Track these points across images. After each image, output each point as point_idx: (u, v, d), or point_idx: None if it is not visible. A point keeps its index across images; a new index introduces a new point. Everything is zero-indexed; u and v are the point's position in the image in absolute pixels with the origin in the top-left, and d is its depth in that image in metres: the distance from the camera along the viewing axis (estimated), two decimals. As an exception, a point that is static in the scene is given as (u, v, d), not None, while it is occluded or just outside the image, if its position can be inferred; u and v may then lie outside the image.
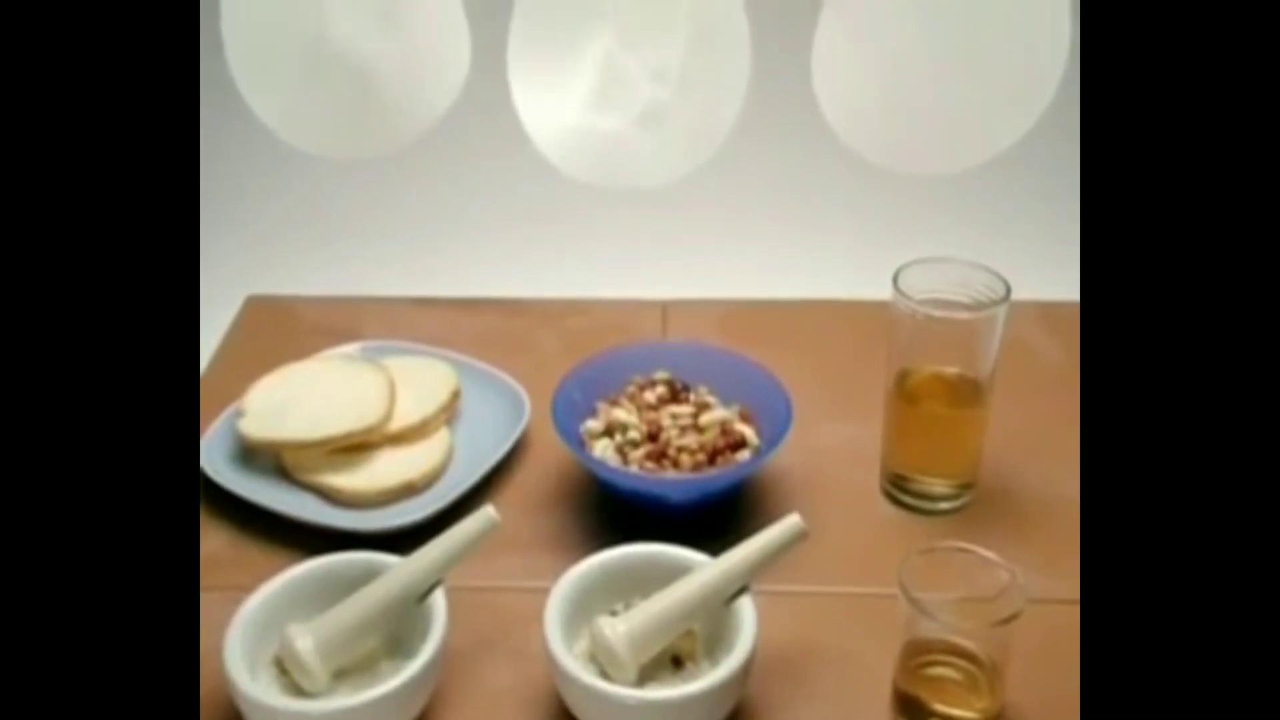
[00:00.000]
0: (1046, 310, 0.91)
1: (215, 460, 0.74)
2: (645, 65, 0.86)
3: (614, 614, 0.59)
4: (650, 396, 0.76)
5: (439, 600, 0.59)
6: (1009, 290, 0.68)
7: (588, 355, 0.78)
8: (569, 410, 0.74)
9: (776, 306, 0.97)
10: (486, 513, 0.60)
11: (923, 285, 0.69)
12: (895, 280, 0.69)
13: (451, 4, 0.88)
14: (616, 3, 0.85)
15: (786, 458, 0.73)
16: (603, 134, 0.88)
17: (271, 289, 0.99)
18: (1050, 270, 1.09)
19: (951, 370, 0.71)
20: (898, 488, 0.74)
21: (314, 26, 0.88)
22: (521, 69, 0.87)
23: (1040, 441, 0.78)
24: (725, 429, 0.73)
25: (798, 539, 0.59)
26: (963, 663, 0.58)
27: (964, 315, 0.69)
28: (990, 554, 0.58)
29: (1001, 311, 0.68)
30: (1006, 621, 0.54)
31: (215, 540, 0.71)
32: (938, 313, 0.68)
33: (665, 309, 0.95)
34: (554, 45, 0.86)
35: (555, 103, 0.88)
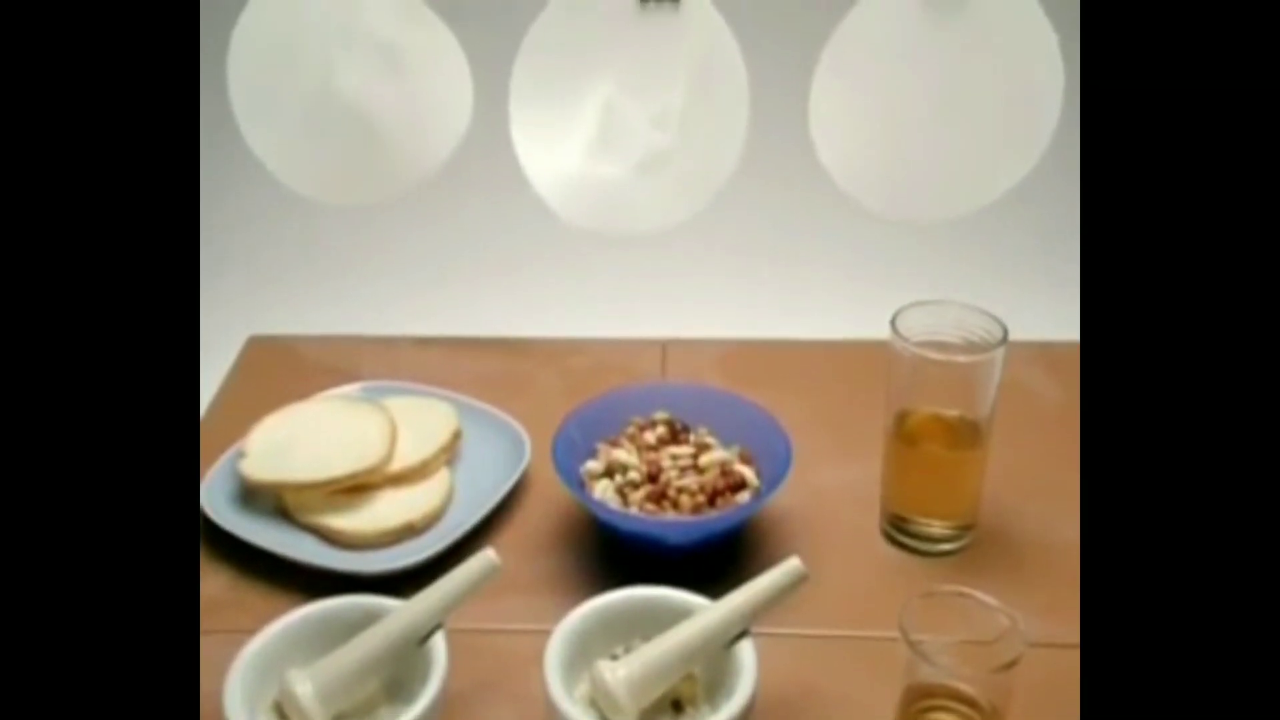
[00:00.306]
0: (1046, 350, 0.91)
1: (216, 501, 0.74)
2: (645, 112, 0.88)
3: (614, 658, 0.59)
4: (650, 437, 0.77)
5: (439, 644, 0.58)
6: (1006, 333, 0.69)
7: (588, 395, 0.78)
8: (569, 451, 0.74)
9: (776, 346, 0.97)
10: (487, 556, 0.60)
11: (921, 328, 0.70)
12: (893, 323, 0.70)
13: (454, 51, 0.89)
14: (617, 51, 0.87)
15: (786, 499, 0.73)
16: (603, 180, 0.89)
17: (274, 329, 1.00)
18: (1049, 310, 1.09)
19: (950, 412, 0.72)
20: (897, 529, 0.74)
21: (318, 73, 0.89)
22: (523, 116, 0.88)
23: (1040, 482, 0.79)
24: (725, 470, 0.73)
25: (798, 582, 0.59)
26: (963, 707, 0.58)
27: (961, 358, 0.69)
28: (990, 599, 0.58)
29: (999, 355, 0.68)
30: (1007, 667, 0.54)
31: (216, 582, 0.71)
32: (935, 355, 0.68)
33: (665, 348, 0.95)
34: (555, 93, 0.88)
35: (556, 149, 0.89)
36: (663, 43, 0.85)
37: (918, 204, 0.90)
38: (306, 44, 0.89)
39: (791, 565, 0.59)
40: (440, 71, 0.89)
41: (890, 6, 0.84)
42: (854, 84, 0.86)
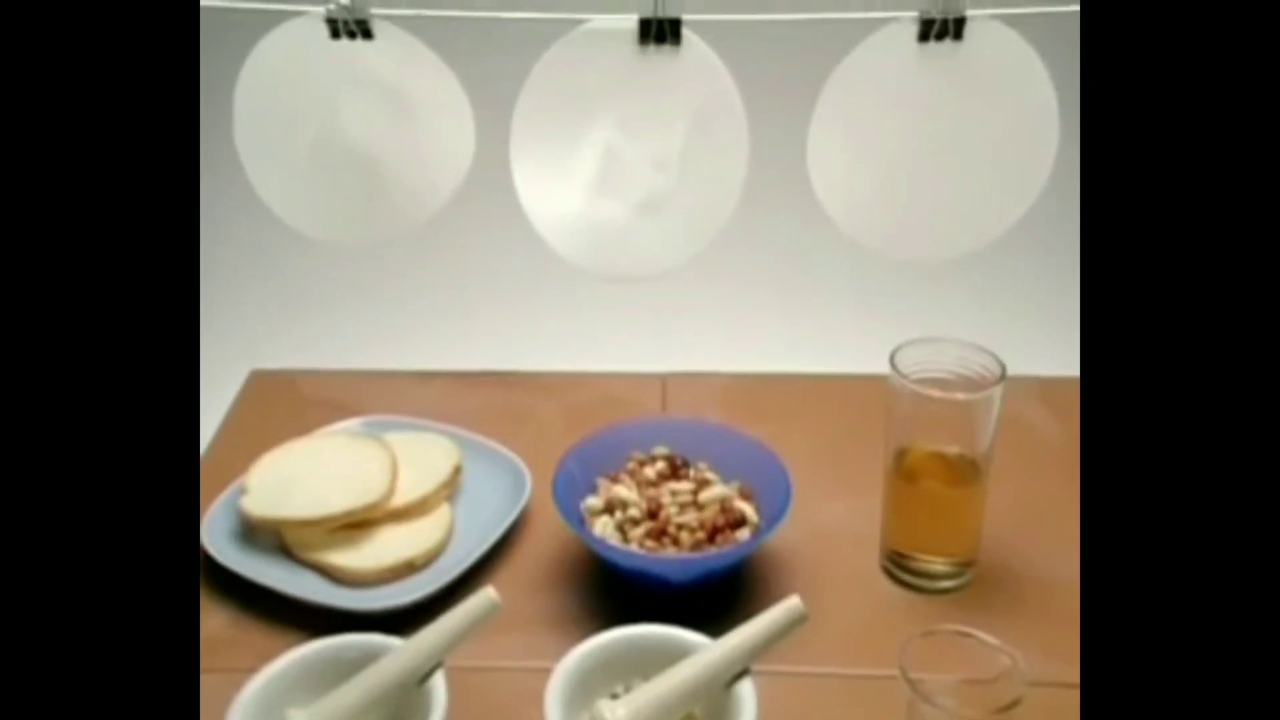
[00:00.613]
0: (1045, 386, 0.92)
1: (216, 538, 0.74)
2: (645, 154, 0.88)
3: (614, 697, 0.59)
4: (650, 472, 0.77)
5: (439, 683, 0.58)
6: (1004, 371, 0.69)
7: (588, 429, 0.79)
8: (569, 487, 0.74)
9: (776, 381, 0.97)
10: (487, 594, 0.60)
11: (920, 364, 0.70)
12: (892, 360, 0.70)
13: (456, 93, 0.90)
14: (618, 93, 0.87)
15: (786, 535, 0.73)
16: (604, 222, 0.90)
17: (276, 363, 1.00)
18: (1049, 346, 1.09)
19: (950, 448, 0.72)
20: (897, 566, 0.74)
21: (323, 115, 0.90)
22: (524, 157, 0.89)
23: (1041, 519, 0.79)
24: (725, 506, 0.74)
25: (798, 622, 0.59)
26: (964, 747, 0.58)
27: (960, 396, 0.69)
28: (991, 638, 0.58)
29: (998, 392, 0.69)
30: (1008, 708, 0.54)
31: (216, 620, 0.71)
32: (935, 393, 0.69)
33: (665, 382, 0.96)
34: (556, 134, 0.88)
35: (556, 190, 0.89)
36: (662, 85, 0.86)
37: (916, 244, 0.91)
38: (311, 86, 0.90)
39: (791, 604, 0.59)
40: (443, 113, 0.90)
41: (887, 49, 0.85)
42: (851, 126, 0.87)
